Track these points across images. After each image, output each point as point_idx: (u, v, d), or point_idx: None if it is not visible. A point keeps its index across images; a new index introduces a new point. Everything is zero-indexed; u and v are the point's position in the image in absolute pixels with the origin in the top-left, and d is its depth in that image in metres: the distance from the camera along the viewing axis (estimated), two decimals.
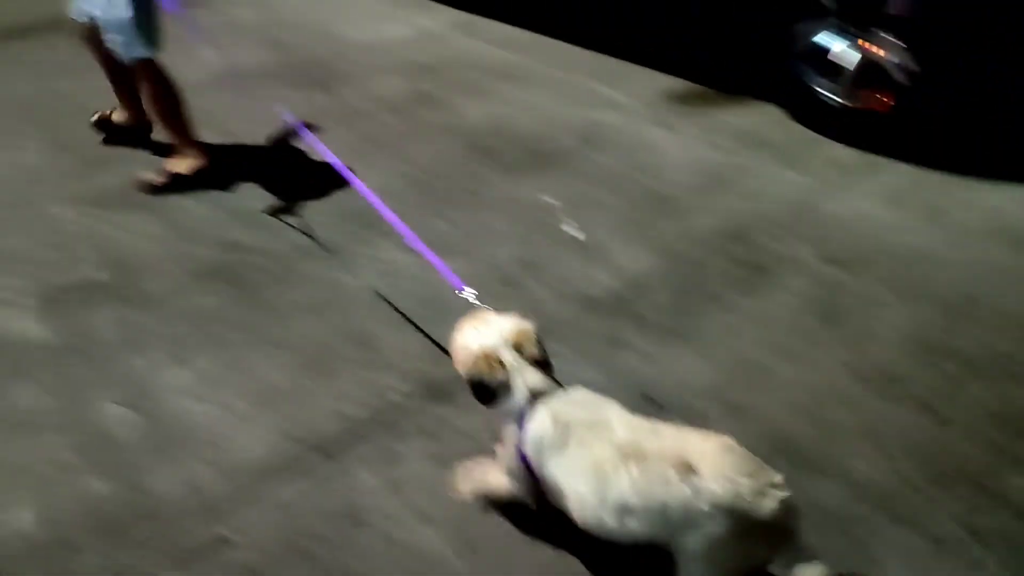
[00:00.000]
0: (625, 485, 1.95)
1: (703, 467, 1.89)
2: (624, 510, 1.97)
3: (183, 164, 4.29)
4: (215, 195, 4.36)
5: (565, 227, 4.18)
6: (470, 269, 3.60)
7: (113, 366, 3.24)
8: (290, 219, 4.11)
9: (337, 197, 4.33)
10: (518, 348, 2.19)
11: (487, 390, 2.18)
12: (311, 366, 3.26)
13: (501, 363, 2.16)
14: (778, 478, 1.93)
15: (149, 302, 3.60)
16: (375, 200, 3.33)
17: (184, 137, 4.27)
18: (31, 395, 3.10)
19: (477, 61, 6.21)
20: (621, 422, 2.07)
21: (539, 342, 2.26)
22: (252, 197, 4.36)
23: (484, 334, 2.22)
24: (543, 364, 2.23)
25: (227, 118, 5.04)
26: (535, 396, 2.15)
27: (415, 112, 5.37)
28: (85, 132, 4.87)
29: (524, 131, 5.16)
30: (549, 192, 4.47)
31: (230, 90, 4.98)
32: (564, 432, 2.08)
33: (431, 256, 3.04)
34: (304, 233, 3.97)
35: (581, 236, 4.13)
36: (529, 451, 2.16)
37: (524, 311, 2.43)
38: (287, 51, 6.30)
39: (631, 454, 1.96)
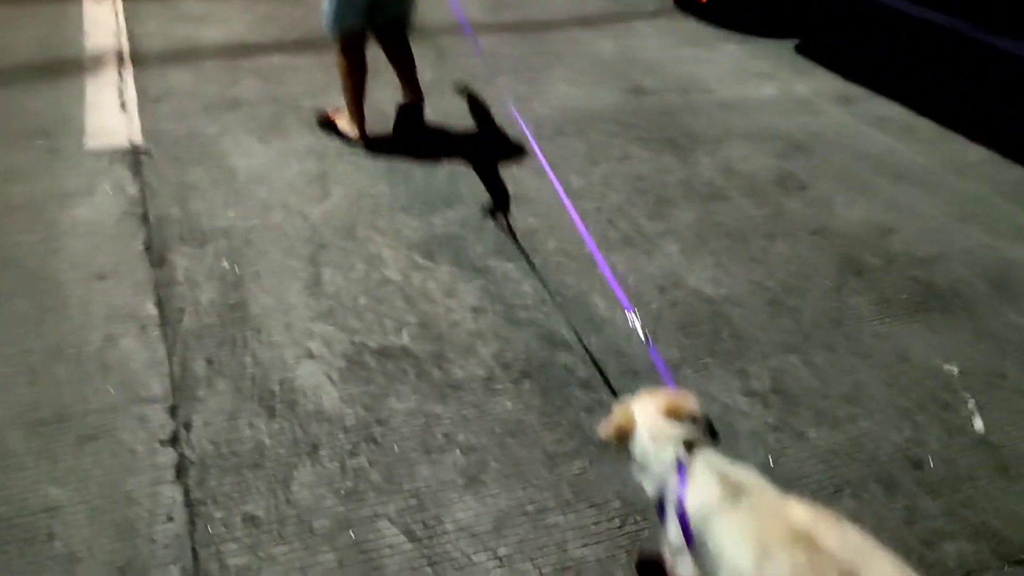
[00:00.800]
0: (784, 566, 1.72)
1: None
2: None
3: (343, 121, 4.81)
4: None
5: (972, 412, 3.20)
6: (834, 441, 2.95)
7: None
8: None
9: None
10: (672, 413, 2.11)
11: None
12: None
13: (629, 420, 2.11)
14: None
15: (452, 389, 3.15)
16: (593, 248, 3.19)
17: (351, 109, 4.69)
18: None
19: (856, 145, 5.27)
20: (805, 507, 1.86)
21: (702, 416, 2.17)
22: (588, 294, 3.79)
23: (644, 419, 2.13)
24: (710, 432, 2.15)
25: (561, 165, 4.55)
26: (689, 447, 2.02)
27: (778, 200, 4.55)
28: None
29: (912, 252, 4.18)
30: (944, 353, 3.48)
31: (571, 134, 4.50)
32: (736, 492, 1.89)
33: (609, 276, 3.00)
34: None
35: (979, 426, 3.14)
36: (693, 510, 1.94)
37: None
38: (642, 97, 5.69)
39: (802, 537, 1.73)
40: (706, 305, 3.71)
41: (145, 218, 4.01)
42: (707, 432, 2.17)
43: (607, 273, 3.15)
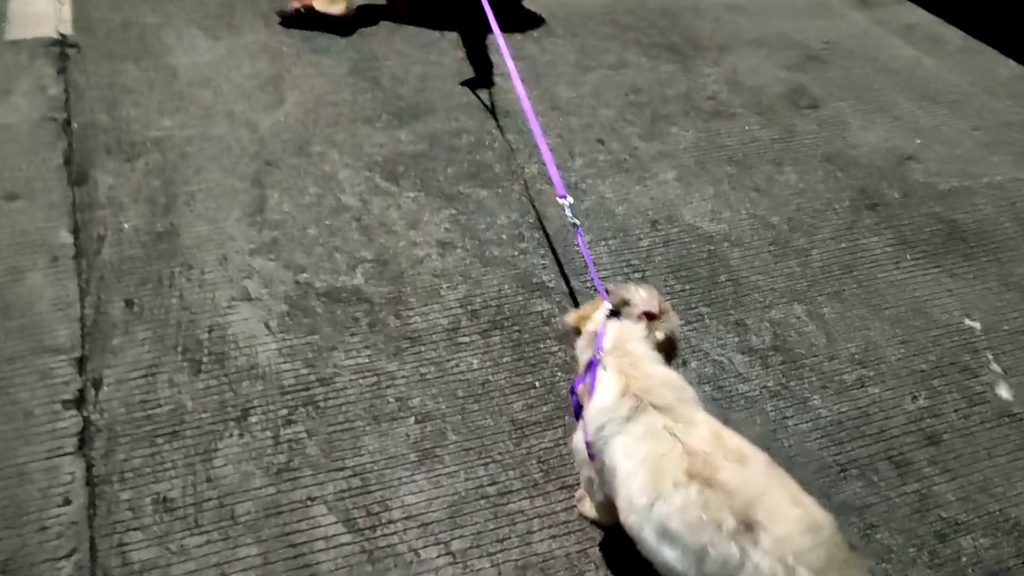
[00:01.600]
0: (676, 505, 1.62)
1: (766, 535, 1.53)
2: (665, 533, 1.65)
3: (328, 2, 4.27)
4: None
5: (995, 377, 2.83)
6: (841, 410, 2.57)
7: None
8: None
9: None
10: (615, 311, 1.97)
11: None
12: None
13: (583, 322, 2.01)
14: None
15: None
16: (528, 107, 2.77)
17: None
18: None
19: (876, 56, 4.72)
20: (707, 430, 1.73)
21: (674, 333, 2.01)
22: None
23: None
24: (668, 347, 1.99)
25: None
26: (609, 352, 1.87)
27: (788, 119, 4.05)
28: None
29: (933, 183, 3.73)
30: (965, 304, 3.08)
31: (561, 35, 3.98)
32: (634, 407, 1.77)
33: (546, 152, 2.66)
34: None
35: (1004, 394, 2.78)
36: (590, 423, 1.85)
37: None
38: None
39: (699, 473, 1.62)
40: (703, 244, 3.28)
41: (67, 125, 3.50)
42: (667, 346, 2.00)
43: (546, 155, 2.71)
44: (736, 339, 2.89)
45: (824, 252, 3.30)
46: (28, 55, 3.90)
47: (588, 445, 1.89)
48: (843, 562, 1.57)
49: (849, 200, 3.59)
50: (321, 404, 2.51)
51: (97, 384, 2.49)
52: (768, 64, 4.53)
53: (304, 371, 2.61)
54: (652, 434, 1.74)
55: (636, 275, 3.10)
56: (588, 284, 3.02)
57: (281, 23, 4.34)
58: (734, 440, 1.74)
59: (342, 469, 2.34)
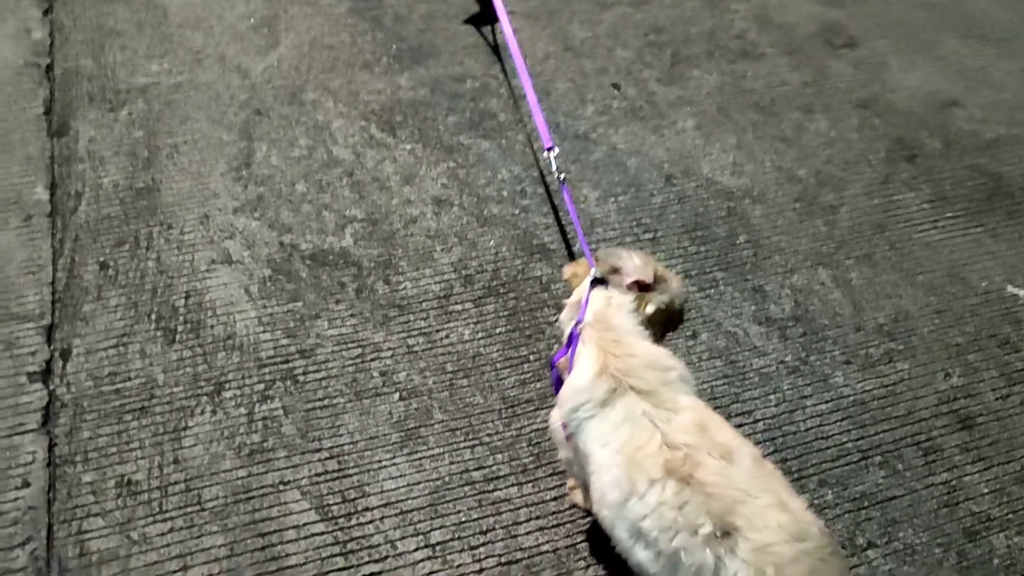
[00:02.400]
0: (650, 504, 1.47)
1: (746, 542, 1.37)
2: (639, 534, 1.50)
3: None
4: None
5: None
6: (865, 388, 2.28)
7: None
8: None
9: None
10: (601, 279, 1.81)
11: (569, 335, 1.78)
12: None
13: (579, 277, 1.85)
14: None
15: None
16: (519, 60, 2.56)
17: None
18: None
19: None
20: (690, 419, 1.55)
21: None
22: None
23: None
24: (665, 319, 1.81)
25: None
26: (590, 326, 1.71)
27: (821, 60, 3.74)
28: None
29: (978, 132, 3.43)
30: (1008, 269, 2.83)
31: None
32: (611, 390, 1.61)
33: (531, 95, 2.47)
34: None
35: None
36: (564, 404, 1.70)
37: None
38: None
39: (678, 470, 1.46)
40: (722, 200, 3.03)
41: (49, 71, 3.31)
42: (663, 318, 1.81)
43: (531, 98, 2.51)
44: (753, 308, 2.67)
45: (854, 210, 3.04)
46: None
47: (564, 426, 1.74)
48: None
49: (885, 151, 3.31)
50: (300, 378, 2.35)
51: (65, 355, 2.35)
52: None
53: (284, 341, 2.44)
54: (630, 421, 1.58)
55: (647, 235, 2.88)
56: (593, 246, 2.80)
57: None
58: (720, 433, 1.56)
59: (319, 451, 2.19)
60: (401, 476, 2.16)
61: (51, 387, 2.27)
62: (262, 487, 2.10)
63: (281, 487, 2.11)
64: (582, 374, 1.68)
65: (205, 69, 3.40)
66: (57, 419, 2.20)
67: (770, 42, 3.84)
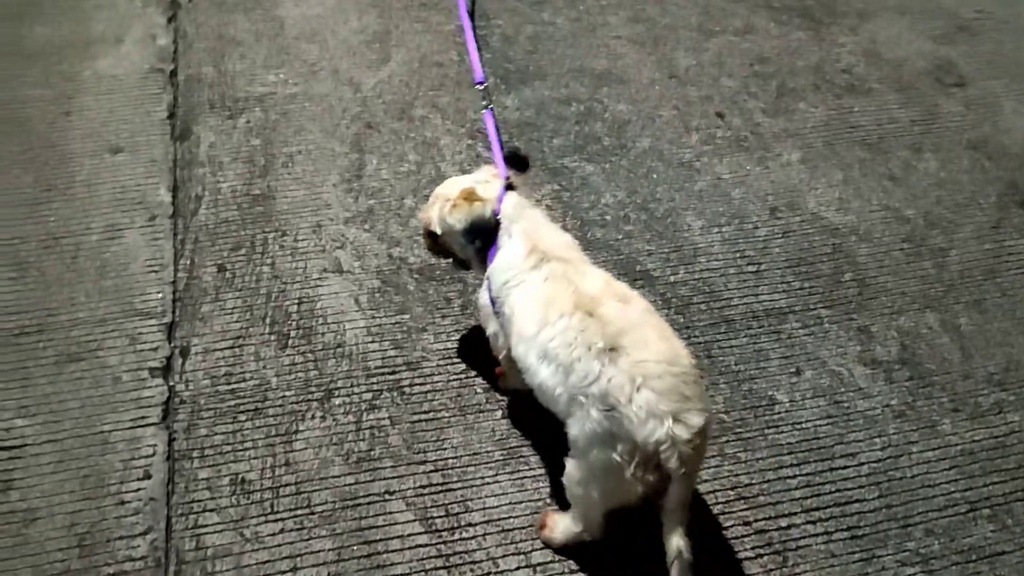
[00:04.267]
0: (558, 329, 1.82)
1: (626, 358, 1.71)
2: (545, 354, 1.84)
3: None
4: None
5: None
6: (974, 438, 2.30)
7: None
8: None
9: None
10: (511, 185, 2.13)
11: (485, 227, 2.08)
12: None
13: (475, 197, 2.09)
14: (695, 419, 1.67)
15: None
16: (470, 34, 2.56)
17: None
18: None
19: None
20: (599, 278, 1.92)
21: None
22: None
23: (463, 179, 2.20)
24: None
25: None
26: (512, 219, 2.05)
27: (931, 99, 3.69)
28: None
29: None
30: None
31: None
32: (539, 259, 1.96)
33: (470, 37, 2.52)
34: None
35: None
36: (495, 274, 2.03)
37: None
38: None
39: (584, 306, 1.81)
40: (827, 236, 3.00)
41: (173, 77, 3.45)
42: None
43: (469, 37, 2.54)
44: (858, 348, 2.63)
45: (964, 253, 2.98)
46: (141, 2, 3.88)
47: (492, 302, 2.06)
48: (685, 397, 1.69)
49: (996, 195, 3.23)
50: (407, 390, 2.40)
51: (184, 352, 2.44)
52: (911, 34, 4.11)
53: (392, 353, 2.50)
54: (552, 279, 1.91)
55: (750, 267, 2.86)
56: (695, 276, 2.80)
57: None
58: (622, 286, 1.92)
59: (423, 463, 2.23)
60: (504, 494, 2.18)
61: (171, 383, 2.37)
62: (369, 495, 2.15)
63: (387, 496, 2.15)
64: (513, 253, 2.00)
65: (319, 81, 3.50)
66: (176, 415, 2.29)
67: (879, 77, 3.79)
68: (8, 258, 2.68)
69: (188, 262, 2.70)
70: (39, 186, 2.94)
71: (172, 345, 2.46)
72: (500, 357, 2.21)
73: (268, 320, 2.56)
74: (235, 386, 2.38)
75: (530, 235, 2.01)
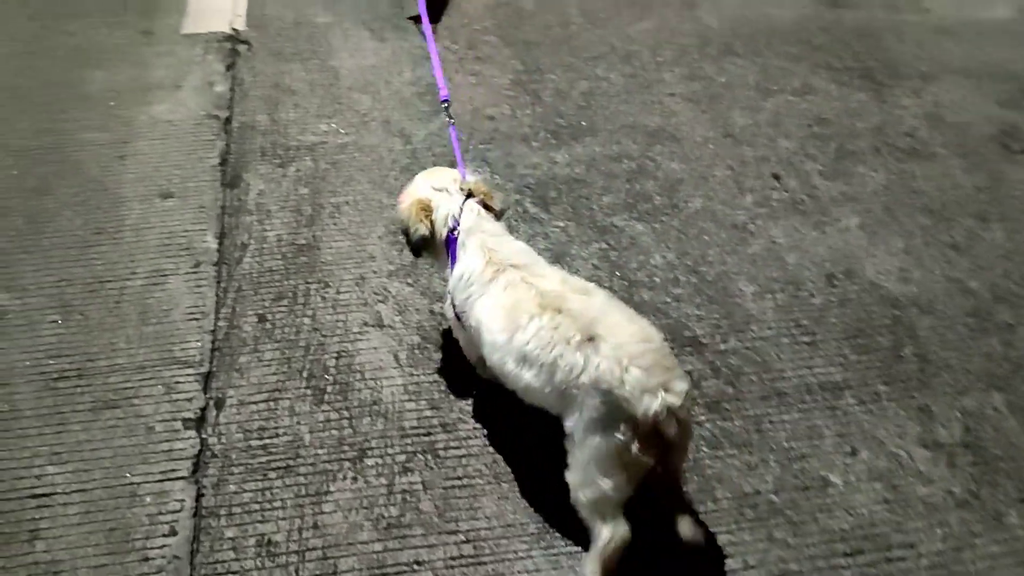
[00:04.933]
0: (531, 332, 1.89)
1: (606, 343, 1.82)
2: (524, 359, 1.92)
3: None
4: None
5: None
6: None
7: None
8: None
9: None
10: (470, 193, 2.21)
11: (409, 240, 2.22)
12: None
13: (428, 210, 2.19)
14: (681, 385, 1.81)
15: None
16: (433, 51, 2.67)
17: None
18: None
19: None
20: (557, 277, 2.02)
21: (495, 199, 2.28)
22: None
23: (428, 183, 2.27)
24: (497, 214, 2.25)
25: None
26: (468, 232, 2.14)
27: (997, 166, 3.56)
28: None
29: None
30: None
31: (743, 54, 3.65)
32: (496, 271, 2.04)
33: (434, 53, 2.64)
34: None
35: None
36: (456, 290, 2.12)
37: None
38: (836, 10, 4.61)
39: (550, 305, 1.90)
40: (886, 308, 2.88)
41: (227, 124, 3.48)
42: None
43: (434, 54, 2.63)
44: (919, 429, 2.49)
45: None
46: (202, 49, 3.94)
47: (457, 316, 2.16)
48: (667, 368, 1.82)
49: None
50: (441, 453, 2.33)
51: (219, 404, 2.41)
52: (976, 97, 3.99)
53: (428, 413, 2.44)
54: (511, 286, 1.99)
55: (804, 337, 2.75)
56: (747, 345, 2.69)
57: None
58: (579, 281, 2.03)
59: (455, 532, 2.15)
60: (537, 571, 2.09)
61: (204, 435, 2.33)
62: (397, 564, 2.08)
63: (416, 567, 2.07)
64: (471, 267, 2.08)
65: (370, 132, 3.50)
66: (206, 469, 2.25)
67: (942, 142, 3.67)
68: (54, 300, 2.69)
69: (229, 311, 2.68)
70: (89, 229, 2.96)
71: (207, 396, 2.43)
72: (473, 361, 2.36)
73: (305, 374, 2.51)
74: (268, 441, 2.33)
75: (486, 248, 2.09)
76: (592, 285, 2.01)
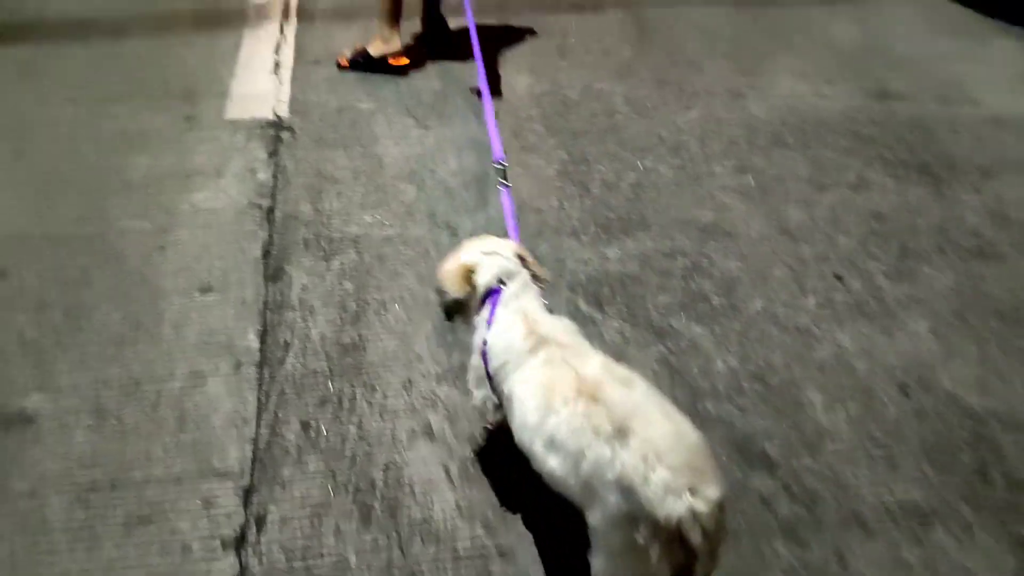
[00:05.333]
0: (563, 417, 1.81)
1: (636, 438, 1.70)
2: (552, 443, 1.84)
3: (375, 45, 4.43)
4: None
5: None
6: None
7: None
8: None
9: None
10: (522, 260, 2.19)
11: (445, 303, 2.19)
12: None
13: (471, 275, 2.15)
14: (712, 491, 1.65)
15: None
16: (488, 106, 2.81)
17: (385, 21, 4.36)
18: None
19: None
20: (600, 362, 1.94)
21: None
22: None
23: (478, 248, 2.21)
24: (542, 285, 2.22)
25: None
26: (514, 296, 2.10)
27: None
28: None
29: None
30: None
31: (793, 146, 3.56)
32: (536, 343, 1.97)
33: (490, 113, 2.73)
34: None
35: None
36: (494, 359, 2.06)
37: None
38: (888, 103, 4.53)
39: (586, 392, 1.81)
40: (967, 421, 2.70)
41: (270, 214, 3.40)
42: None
43: (488, 110, 2.71)
44: (1014, 564, 2.28)
45: None
46: (244, 136, 3.90)
47: (489, 376, 2.10)
48: (699, 471, 1.67)
49: None
50: None
51: (260, 522, 2.25)
52: None
53: (482, 534, 2.27)
54: (550, 363, 1.92)
55: (878, 451, 2.57)
56: (821, 463, 2.51)
57: (352, 66, 4.49)
58: (623, 370, 1.92)
59: None
60: None
61: (243, 557, 2.16)
62: None
63: None
64: (512, 335, 2.01)
65: (416, 223, 3.41)
66: None
67: (1010, 241, 3.53)
68: (89, 403, 2.57)
69: (272, 417, 2.55)
70: (127, 324, 2.86)
71: (248, 512, 2.27)
72: (489, 423, 2.30)
73: (351, 488, 2.36)
74: (311, 563, 2.16)
75: (528, 317, 2.04)
76: (636, 376, 1.90)
